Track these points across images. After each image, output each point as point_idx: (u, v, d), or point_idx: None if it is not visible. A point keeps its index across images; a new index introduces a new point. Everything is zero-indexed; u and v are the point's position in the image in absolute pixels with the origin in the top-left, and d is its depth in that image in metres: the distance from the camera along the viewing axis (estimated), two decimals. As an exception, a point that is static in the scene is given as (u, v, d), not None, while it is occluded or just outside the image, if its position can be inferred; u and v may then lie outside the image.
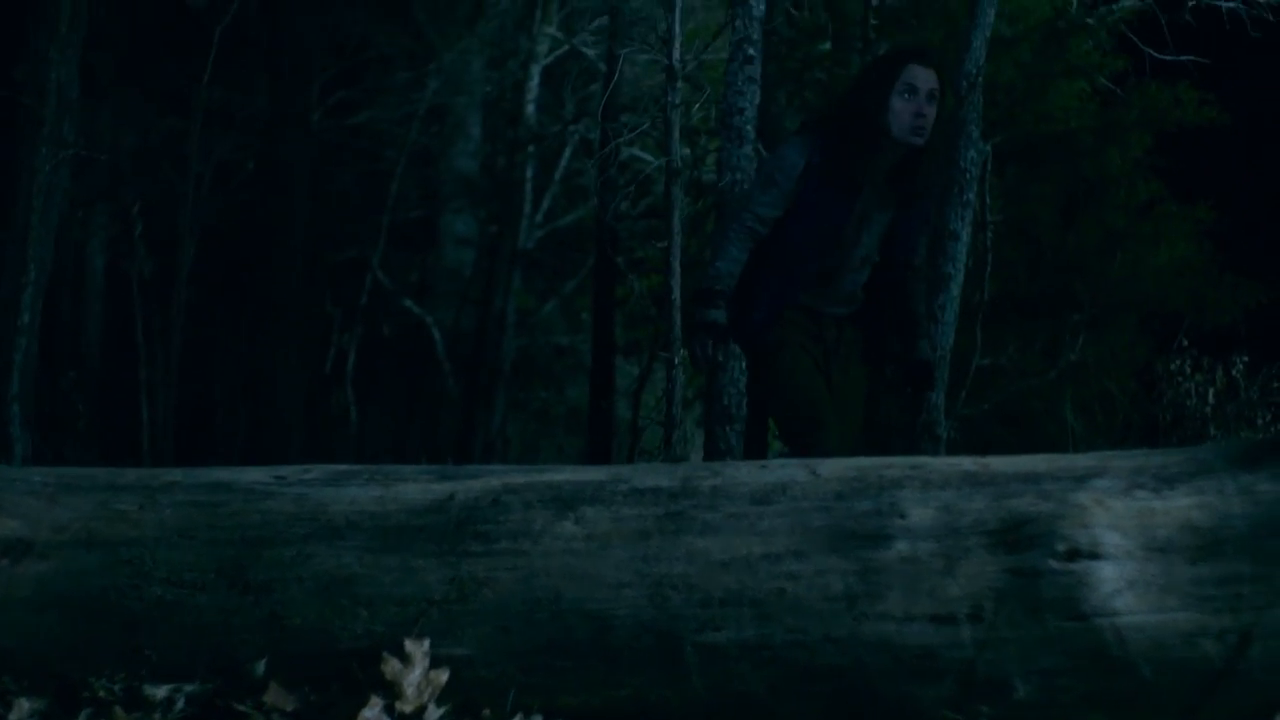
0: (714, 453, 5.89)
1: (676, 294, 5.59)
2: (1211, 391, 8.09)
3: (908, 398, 5.10)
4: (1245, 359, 8.11)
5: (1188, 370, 8.19)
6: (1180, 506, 2.38)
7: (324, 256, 13.07)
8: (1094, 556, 2.34)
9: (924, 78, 4.51)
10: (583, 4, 11.15)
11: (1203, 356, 8.18)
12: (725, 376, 5.93)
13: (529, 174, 13.07)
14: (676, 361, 5.46)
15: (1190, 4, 7.64)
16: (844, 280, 4.67)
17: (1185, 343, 8.25)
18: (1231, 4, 7.58)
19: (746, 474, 2.55)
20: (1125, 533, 2.35)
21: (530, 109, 12.80)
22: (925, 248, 4.91)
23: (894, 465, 2.55)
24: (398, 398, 14.47)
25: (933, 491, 2.46)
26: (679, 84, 5.70)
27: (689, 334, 4.68)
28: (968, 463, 2.52)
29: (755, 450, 7.08)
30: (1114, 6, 8.29)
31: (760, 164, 5.32)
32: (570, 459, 13.68)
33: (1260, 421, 7.91)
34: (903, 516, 2.43)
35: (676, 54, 5.67)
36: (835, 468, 2.54)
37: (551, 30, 12.68)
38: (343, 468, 2.78)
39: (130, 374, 9.89)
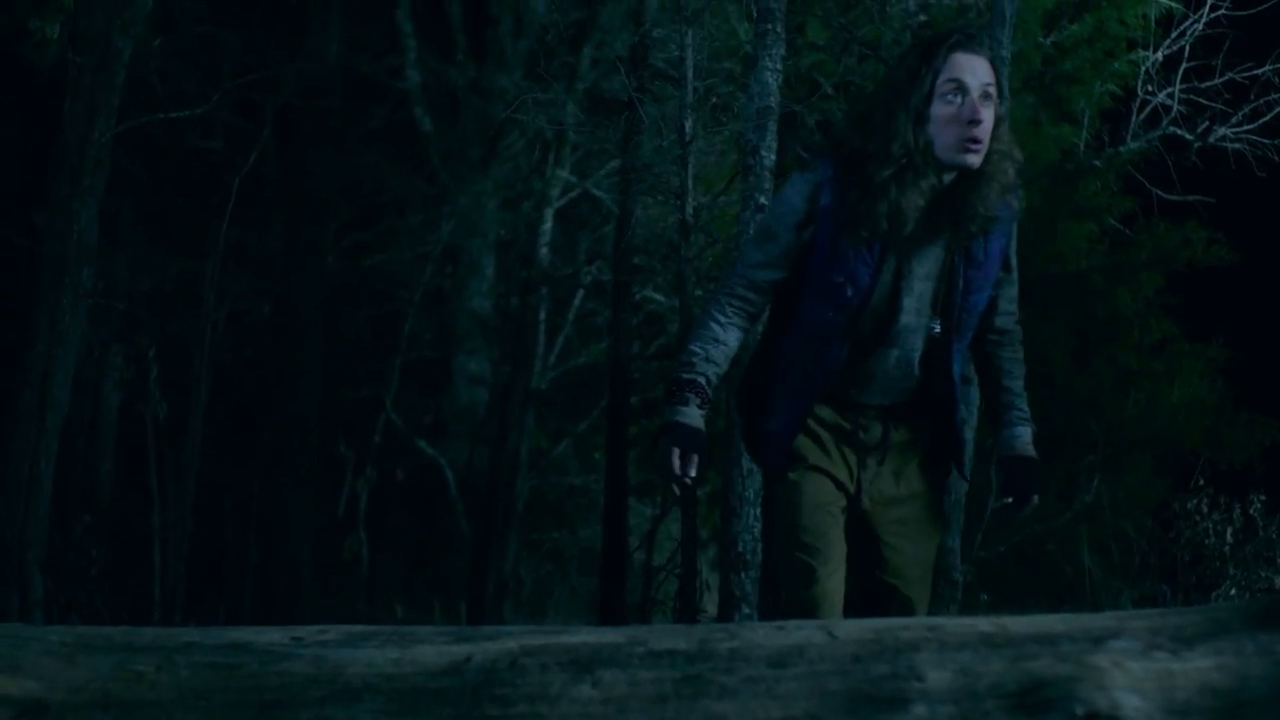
0: (728, 601, 5.84)
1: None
2: (1230, 531, 8.04)
3: (1008, 511, 3.78)
4: (1263, 497, 8.08)
5: (1205, 509, 8.15)
6: (1199, 668, 2.36)
7: (338, 397, 13.14)
8: (1114, 719, 2.32)
9: (975, 69, 3.37)
10: (595, 148, 11.30)
11: (1220, 495, 8.14)
12: (739, 523, 5.87)
13: (542, 314, 13.16)
14: (693, 513, 5.41)
15: (1196, 145, 7.75)
16: (886, 361, 3.55)
17: (1202, 481, 8.21)
18: (1237, 145, 7.68)
19: (764, 636, 2.54)
20: (1144, 695, 2.34)
21: (544, 250, 12.92)
22: (1013, 303, 3.76)
23: (910, 626, 2.54)
24: (410, 539, 14.43)
25: (950, 653, 2.45)
26: (692, 236, 5.74)
27: (654, 444, 3.55)
28: (984, 623, 2.51)
29: (772, 591, 6.89)
30: (1121, 149, 8.40)
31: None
32: (583, 601, 13.61)
33: (1280, 561, 7.86)
34: (920, 679, 2.42)
35: (689, 208, 5.73)
36: (852, 629, 2.53)
37: (564, 174, 12.85)
38: (359, 628, 2.77)
39: (143, 517, 9.87)
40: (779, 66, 5.96)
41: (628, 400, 10.69)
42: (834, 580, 3.56)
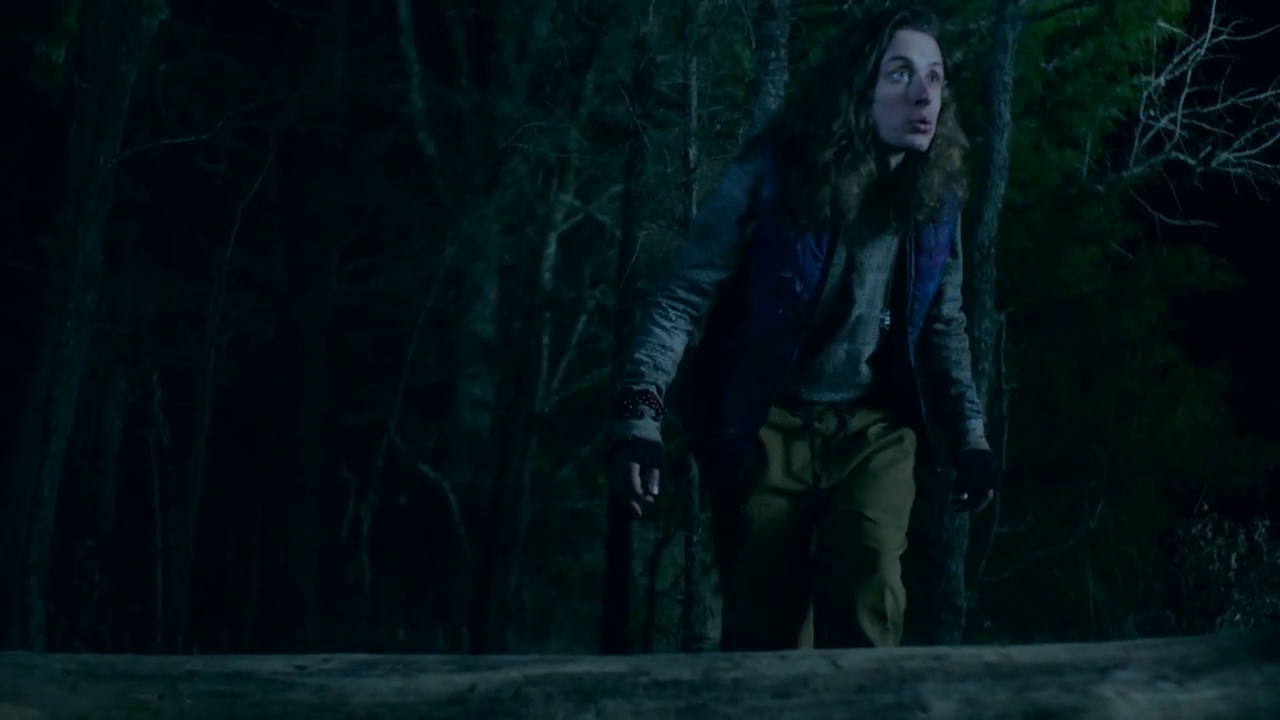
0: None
1: (694, 470, 5.57)
2: (1234, 556, 8.03)
3: (963, 507, 3.56)
4: (1267, 522, 8.07)
5: (1209, 534, 8.14)
6: (1205, 699, 2.36)
7: (341, 421, 13.14)
8: (1120, 750, 2.32)
9: (922, 48, 3.21)
10: (599, 172, 11.32)
11: (1224, 520, 8.13)
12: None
13: (545, 339, 13.16)
14: (695, 539, 5.41)
15: (1198, 170, 7.76)
16: (835, 357, 3.39)
17: (1206, 506, 8.20)
18: (1239, 170, 7.69)
19: (768, 665, 2.54)
20: (1151, 726, 2.33)
21: (547, 275, 12.93)
22: (958, 289, 3.60)
23: (915, 656, 2.53)
24: (412, 563, 14.42)
25: (954, 684, 2.44)
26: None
27: (608, 461, 3.30)
28: (989, 653, 2.51)
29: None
30: (1123, 174, 8.41)
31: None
32: (586, 626, 13.58)
33: (1284, 586, 7.85)
34: (925, 710, 2.41)
35: (692, 234, 5.73)
36: (856, 659, 2.53)
37: (568, 198, 12.87)
38: (363, 657, 2.77)
39: (146, 540, 9.87)
40: (782, 93, 5.97)
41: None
42: (784, 635, 3.40)
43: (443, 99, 13.34)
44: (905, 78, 3.18)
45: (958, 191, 3.37)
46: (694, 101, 5.47)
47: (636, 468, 3.22)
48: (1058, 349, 10.38)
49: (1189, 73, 7.74)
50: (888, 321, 3.38)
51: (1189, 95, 7.78)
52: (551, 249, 12.95)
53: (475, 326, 13.61)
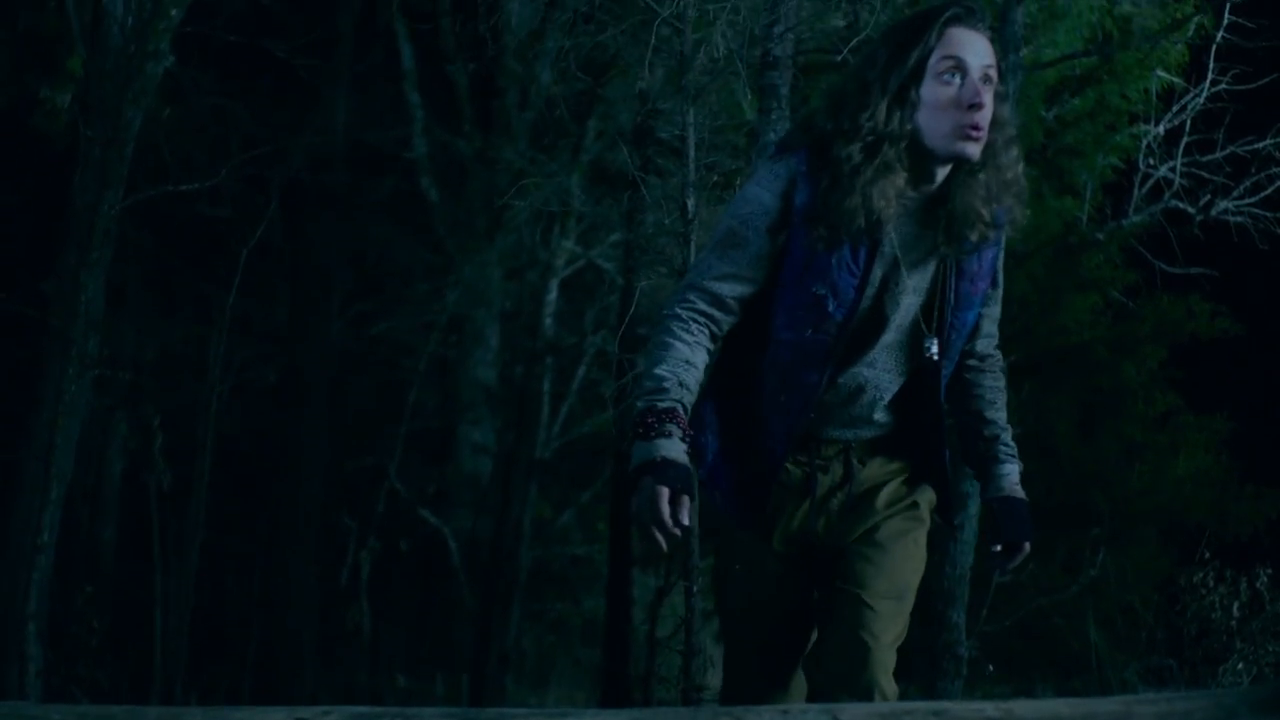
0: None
1: (695, 522, 5.54)
2: (1236, 604, 8.00)
3: (997, 561, 3.18)
4: (1269, 570, 8.04)
5: (1211, 583, 8.11)
6: (1208, 755, 2.35)
7: (341, 466, 13.13)
8: (1122, 807, 2.31)
9: (975, 47, 2.86)
10: (600, 219, 11.35)
11: (1226, 568, 8.10)
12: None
13: (546, 384, 13.17)
14: (695, 589, 5.38)
15: (1198, 219, 7.78)
16: (852, 388, 3.01)
17: (1208, 554, 8.16)
18: (1239, 218, 7.71)
19: (769, 719, 2.53)
20: (1153, 782, 2.32)
21: (548, 320, 12.95)
22: (996, 324, 3.22)
23: (916, 710, 2.52)
24: (412, 609, 14.38)
25: (957, 739, 2.44)
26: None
27: (633, 487, 2.86)
28: (991, 708, 2.49)
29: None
30: (1123, 222, 8.43)
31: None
32: (586, 673, 13.53)
33: (1286, 635, 7.81)
34: (927, 765, 2.41)
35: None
36: (857, 713, 2.52)
37: (569, 244, 12.90)
38: (362, 709, 2.75)
39: (145, 586, 9.85)
40: (784, 142, 5.95)
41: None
42: (783, 689, 3.14)
43: (445, 145, 13.39)
44: (956, 79, 2.84)
45: (1016, 209, 3.03)
46: (691, 153, 5.47)
47: (666, 493, 2.79)
48: (1059, 396, 10.37)
49: (1188, 122, 7.76)
50: (934, 350, 2.99)
51: (1188, 144, 7.80)
52: (553, 294, 12.97)
53: (476, 371, 13.61)
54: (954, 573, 6.56)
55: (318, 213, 11.63)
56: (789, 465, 3.07)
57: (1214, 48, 7.06)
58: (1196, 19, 7.43)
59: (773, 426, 3.01)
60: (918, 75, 2.85)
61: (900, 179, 2.87)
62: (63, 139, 9.47)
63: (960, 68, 2.83)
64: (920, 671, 6.57)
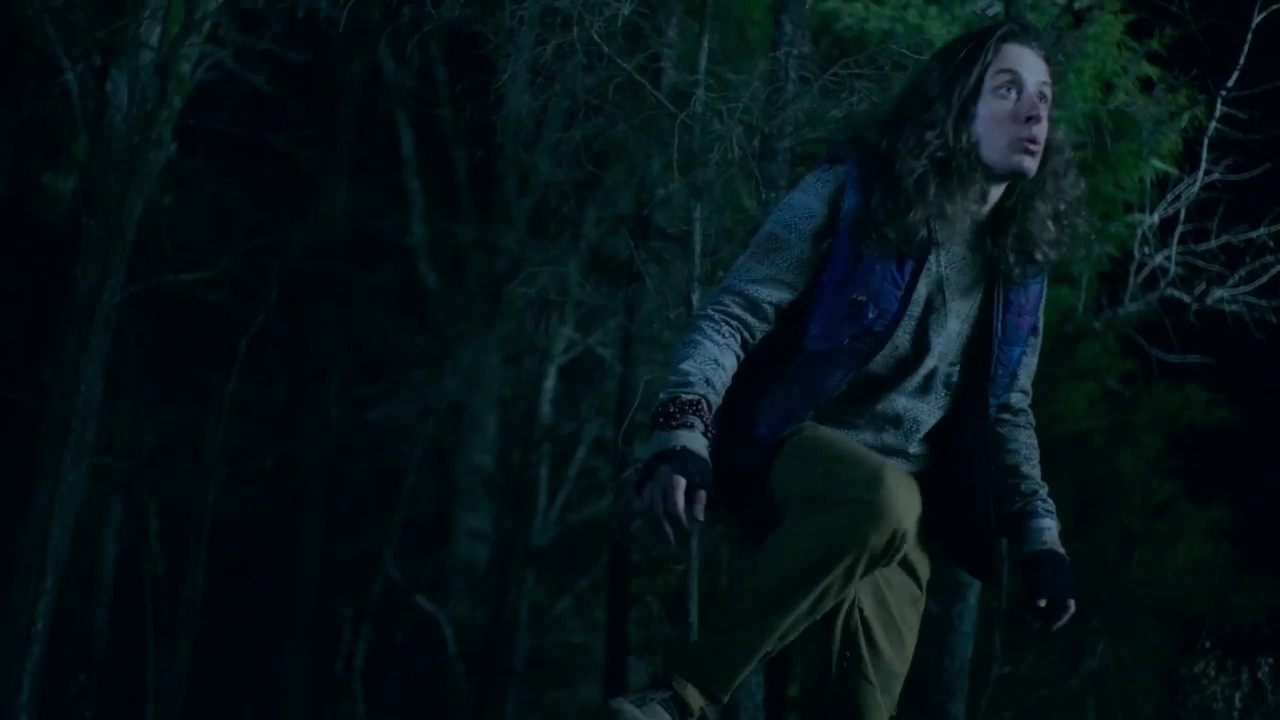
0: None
1: (694, 613, 5.49)
2: (1238, 695, 7.95)
3: (1040, 621, 3.00)
4: (1270, 660, 7.99)
5: (1212, 673, 8.06)
6: None
7: (337, 552, 13.08)
8: None
9: (1030, 64, 2.82)
10: (599, 305, 11.39)
11: (1226, 659, 8.05)
12: (742, 691, 5.77)
13: (544, 470, 13.15)
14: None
15: (1194, 307, 7.81)
16: (892, 414, 2.87)
17: (1208, 644, 8.12)
18: (1235, 306, 7.74)
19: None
20: None
21: (546, 407, 12.95)
22: (1031, 377, 3.10)
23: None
24: (407, 697, 14.26)
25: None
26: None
27: (646, 475, 2.63)
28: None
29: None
30: (1120, 310, 8.45)
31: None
32: (583, 762, 13.39)
33: (1289, 727, 7.76)
34: None
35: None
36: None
37: (567, 330, 12.93)
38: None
39: (138, 675, 9.77)
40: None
41: (629, 557, 10.63)
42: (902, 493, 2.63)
43: (444, 231, 13.46)
44: (1013, 93, 2.79)
45: (1081, 231, 2.93)
46: (698, 247, 5.49)
47: (683, 483, 2.59)
48: (1056, 485, 10.30)
49: (1183, 211, 7.80)
50: (955, 379, 2.89)
51: (1183, 233, 7.85)
52: (551, 381, 12.98)
53: (474, 458, 13.59)
54: (952, 664, 6.49)
55: (316, 299, 11.67)
56: None
57: (1206, 139, 7.11)
58: (1189, 112, 7.49)
59: (787, 405, 2.83)
60: (976, 91, 2.81)
61: (974, 190, 2.81)
62: (64, 225, 9.51)
63: (1016, 82, 2.80)
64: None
